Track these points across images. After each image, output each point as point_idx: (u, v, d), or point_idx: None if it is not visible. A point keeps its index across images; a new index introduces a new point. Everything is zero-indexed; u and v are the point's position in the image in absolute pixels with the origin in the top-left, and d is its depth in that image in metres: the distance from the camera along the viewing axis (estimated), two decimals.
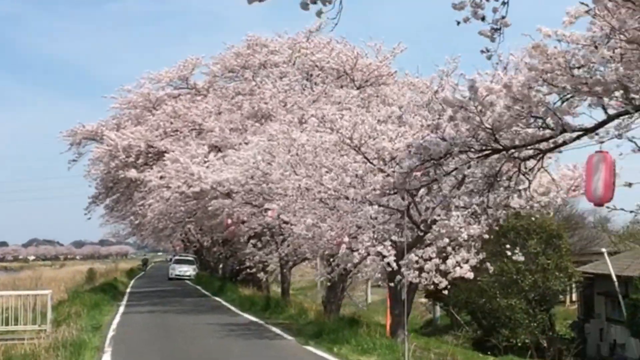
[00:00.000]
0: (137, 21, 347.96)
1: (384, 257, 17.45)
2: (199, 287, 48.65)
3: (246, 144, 28.54)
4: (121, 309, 29.90)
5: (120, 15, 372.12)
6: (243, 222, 30.91)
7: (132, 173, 30.71)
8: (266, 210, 26.74)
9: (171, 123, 34.37)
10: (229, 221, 31.34)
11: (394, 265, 17.32)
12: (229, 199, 27.15)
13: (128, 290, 46.69)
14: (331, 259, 24.55)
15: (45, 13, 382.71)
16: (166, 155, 29.34)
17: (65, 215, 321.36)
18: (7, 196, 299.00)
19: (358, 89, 31.04)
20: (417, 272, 17.67)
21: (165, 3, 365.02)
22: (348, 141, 17.15)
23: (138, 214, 35.57)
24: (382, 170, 17.46)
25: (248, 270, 33.48)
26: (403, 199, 17.70)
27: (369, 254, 17.74)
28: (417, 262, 17.80)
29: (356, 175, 18.03)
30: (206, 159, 28.30)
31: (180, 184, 29.01)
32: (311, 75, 34.37)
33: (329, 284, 25.61)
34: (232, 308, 30.08)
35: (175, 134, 33.74)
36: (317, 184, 18.43)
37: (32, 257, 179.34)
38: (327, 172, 18.25)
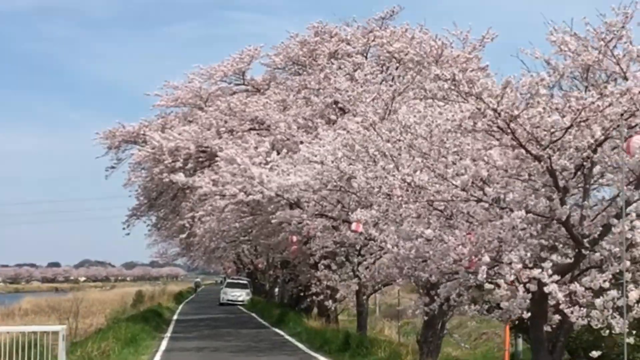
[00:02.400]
0: (189, 44, 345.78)
1: (542, 285, 11.69)
2: (254, 315, 43.02)
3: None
4: (163, 345, 24.41)
5: (173, 38, 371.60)
6: (308, 239, 25.62)
7: (180, 177, 25.30)
8: (345, 222, 21.19)
9: (225, 122, 28.96)
10: (294, 239, 25.88)
11: (560, 296, 11.55)
12: (298, 209, 21.57)
13: (174, 317, 41.30)
14: (428, 286, 19.08)
15: (99, 37, 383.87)
16: (219, 154, 23.73)
17: (117, 237, 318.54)
18: (60, 216, 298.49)
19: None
20: (583, 309, 11.90)
21: (217, 27, 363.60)
22: (490, 114, 11.41)
23: (186, 229, 30.20)
24: (538, 159, 11.75)
25: (314, 297, 28.22)
26: (563, 202, 12.01)
27: (518, 282, 11.94)
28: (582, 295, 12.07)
29: (495, 167, 12.36)
30: (268, 159, 22.61)
31: (236, 190, 23.49)
32: (387, 68, 29.02)
33: (425, 318, 19.89)
34: (300, 346, 24.37)
35: (231, 135, 28.30)
36: (436, 181, 12.74)
37: (82, 279, 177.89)
38: (454, 162, 12.55)
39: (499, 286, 14.29)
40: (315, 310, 36.75)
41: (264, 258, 54.39)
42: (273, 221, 23.69)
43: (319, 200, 21.22)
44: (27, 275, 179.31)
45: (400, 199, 13.22)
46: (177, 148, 28.94)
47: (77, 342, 23.36)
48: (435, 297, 17.35)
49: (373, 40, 30.25)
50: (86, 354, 18.45)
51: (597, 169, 12.69)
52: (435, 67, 12.66)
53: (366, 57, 30.39)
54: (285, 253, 33.54)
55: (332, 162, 18.97)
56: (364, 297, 26.85)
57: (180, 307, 55.64)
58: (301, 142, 24.43)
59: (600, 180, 13.32)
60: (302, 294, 34.09)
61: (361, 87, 26.73)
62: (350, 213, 19.00)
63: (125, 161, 32.46)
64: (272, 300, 54.61)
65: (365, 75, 27.70)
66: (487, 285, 14.48)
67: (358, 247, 22.09)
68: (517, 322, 20.01)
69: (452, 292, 16.70)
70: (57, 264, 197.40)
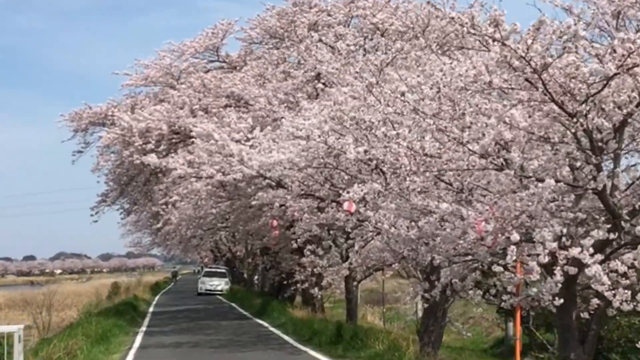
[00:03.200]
0: (163, 34, 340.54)
1: (581, 266, 9.85)
2: (234, 305, 40.98)
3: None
4: (137, 341, 22.41)
5: (147, 28, 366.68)
6: (292, 223, 23.81)
7: (152, 159, 23.20)
8: (333, 203, 19.30)
9: (199, 100, 26.85)
10: (275, 223, 23.97)
11: (605, 279, 9.71)
12: (282, 189, 19.60)
13: (150, 309, 39.16)
14: (428, 270, 17.31)
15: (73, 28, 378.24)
16: (194, 130, 21.57)
17: (93, 229, 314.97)
18: (35, 209, 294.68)
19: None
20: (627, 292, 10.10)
21: (191, 16, 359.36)
22: (518, 63, 9.49)
23: (160, 217, 28.15)
24: (573, 117, 9.89)
25: (298, 285, 26.48)
26: (599, 169, 10.23)
27: (553, 262, 10.05)
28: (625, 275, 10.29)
29: (518, 129, 10.49)
30: (249, 136, 20.50)
31: (213, 171, 21.45)
32: (371, 39, 27.17)
33: (425, 305, 18.12)
34: (286, 338, 22.46)
35: (206, 113, 26.17)
36: (448, 147, 10.85)
37: (58, 271, 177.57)
38: (472, 123, 10.63)
39: (507, 269, 12.63)
40: (299, 298, 34.97)
41: (243, 245, 52.73)
42: (253, 203, 21.70)
43: (304, 179, 19.27)
44: (2, 269, 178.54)
45: (407, 169, 11.28)
46: (148, 129, 26.81)
47: (47, 339, 21.49)
48: (436, 283, 15.68)
49: (355, 11, 28.30)
50: (50, 355, 16.42)
51: (627, 132, 10.89)
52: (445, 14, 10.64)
53: (348, 27, 28.47)
54: (266, 239, 31.89)
55: (319, 136, 16.99)
56: (354, 283, 25.05)
57: (157, 298, 53.57)
58: (282, 118, 22.44)
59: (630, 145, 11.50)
60: (285, 282, 32.27)
61: (344, 58, 24.83)
62: (342, 191, 17.09)
63: (93, 145, 30.25)
64: (252, 289, 52.84)
65: (349, 46, 25.78)
66: (497, 268, 12.85)
67: (348, 229, 20.20)
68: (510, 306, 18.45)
69: (456, 277, 15.02)
70: (32, 257, 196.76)
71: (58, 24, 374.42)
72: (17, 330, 12.73)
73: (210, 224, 31.48)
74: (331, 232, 22.73)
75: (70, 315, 33.91)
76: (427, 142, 11.01)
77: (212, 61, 30.17)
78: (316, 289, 25.18)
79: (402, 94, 12.43)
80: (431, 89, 11.79)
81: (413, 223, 13.12)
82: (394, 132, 11.77)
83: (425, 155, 11.16)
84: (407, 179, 11.72)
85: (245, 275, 60.21)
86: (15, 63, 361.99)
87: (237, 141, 20.13)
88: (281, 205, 23.06)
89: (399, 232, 13.70)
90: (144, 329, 26.88)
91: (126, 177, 29.98)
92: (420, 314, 40.34)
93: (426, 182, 11.86)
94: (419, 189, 12.24)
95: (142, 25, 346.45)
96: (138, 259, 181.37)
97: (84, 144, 30.11)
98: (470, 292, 16.94)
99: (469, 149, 10.55)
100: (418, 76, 12.96)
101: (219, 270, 61.24)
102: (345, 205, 16.47)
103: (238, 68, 28.62)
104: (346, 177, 18.82)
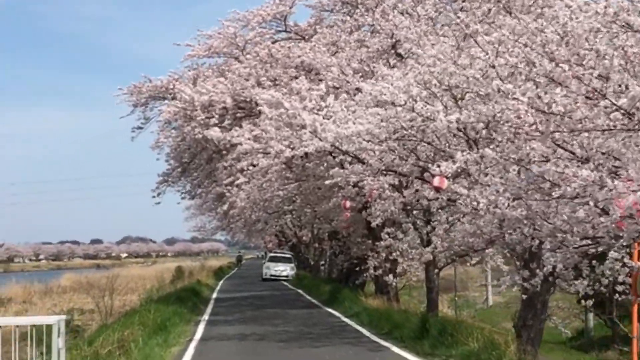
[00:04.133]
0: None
1: None
2: (301, 292, 38.98)
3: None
4: (199, 332, 20.50)
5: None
6: (366, 204, 21.86)
7: (215, 132, 21.24)
8: (418, 179, 17.05)
9: (266, 71, 24.75)
10: (347, 204, 21.94)
11: None
12: (359, 164, 17.33)
13: (214, 296, 37.44)
14: (526, 257, 15.13)
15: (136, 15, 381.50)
16: (261, 97, 19.32)
17: (159, 213, 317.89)
18: (101, 192, 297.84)
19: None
20: None
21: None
22: None
23: (226, 198, 26.27)
24: None
25: (372, 271, 24.46)
26: None
27: None
28: None
29: None
30: (322, 104, 18.22)
31: (282, 147, 19.33)
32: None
33: (524, 296, 15.83)
34: (363, 331, 20.27)
35: (274, 84, 24.06)
36: (581, 103, 8.57)
37: (124, 255, 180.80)
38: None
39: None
40: (370, 286, 32.95)
41: (309, 230, 50.96)
42: (327, 182, 19.48)
43: (383, 153, 16.96)
44: (69, 252, 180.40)
45: (530, 130, 8.98)
46: (211, 102, 24.81)
47: (107, 325, 20.24)
48: (537, 270, 13.51)
49: None
50: (109, 342, 14.57)
51: None
52: None
53: None
54: (335, 223, 30.02)
55: (405, 102, 14.71)
56: (436, 270, 22.80)
57: (221, 283, 52.10)
58: (357, 90, 20.12)
59: None
60: (357, 268, 30.22)
61: (425, 25, 22.56)
62: (430, 164, 14.85)
63: (153, 120, 28.35)
64: (318, 275, 50.85)
65: (427, 11, 23.53)
66: (612, 254, 10.74)
67: (434, 209, 17.94)
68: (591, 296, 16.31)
69: (565, 263, 12.82)
70: (99, 241, 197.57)
71: (122, 12, 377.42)
72: (56, 323, 10.79)
73: (276, 206, 29.85)
74: (415, 212, 20.68)
75: (133, 300, 33.29)
76: (556, 93, 8.70)
77: (279, 31, 28.01)
78: (391, 276, 23.19)
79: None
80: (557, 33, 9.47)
81: (517, 202, 10.99)
82: (510, 87, 9.47)
83: (551, 113, 8.89)
84: (527, 144, 9.45)
85: (311, 261, 58.32)
86: (81, 48, 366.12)
87: (309, 110, 17.90)
88: (354, 186, 21.02)
89: (503, 212, 11.52)
90: (206, 317, 25.03)
91: (188, 154, 28.00)
92: (490, 302, 38.35)
93: (549, 148, 9.58)
94: (535, 158, 10.00)
95: (206, 11, 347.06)
96: (202, 244, 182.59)
97: (143, 119, 28.24)
98: (577, 282, 14.78)
99: (613, 103, 8.25)
100: (535, 20, 10.63)
101: (284, 255, 59.54)
102: (436, 181, 14.28)
103: (307, 38, 26.45)
104: (431, 151, 16.52)
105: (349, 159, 18.05)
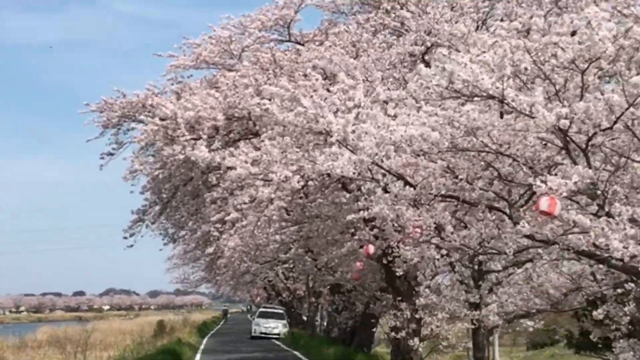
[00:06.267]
0: None
1: None
2: (299, 355, 33.52)
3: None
4: None
5: None
6: (385, 251, 17.30)
7: (200, 152, 16.17)
8: (492, 210, 11.83)
9: (268, 79, 19.61)
10: (372, 249, 17.00)
11: None
12: (412, 188, 11.97)
13: (197, 358, 32.11)
14: None
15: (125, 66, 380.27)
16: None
17: (143, 264, 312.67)
18: (86, 242, 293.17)
19: None
20: None
21: None
22: None
23: (213, 238, 21.25)
24: None
25: (393, 333, 20.36)
26: None
27: None
28: None
29: None
30: (350, 104, 12.83)
31: (289, 173, 14.20)
32: None
33: None
34: None
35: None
36: None
37: (106, 307, 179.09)
38: None
39: None
40: (385, 348, 28.08)
41: (303, 282, 46.48)
42: (350, 217, 14.28)
43: (442, 169, 11.65)
44: (50, 304, 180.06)
45: None
46: (199, 120, 19.67)
47: None
48: None
49: None
50: None
51: None
52: None
53: None
54: (339, 274, 25.42)
55: (492, 85, 9.63)
56: (485, 335, 17.72)
57: (205, 341, 46.85)
58: (385, 102, 14.86)
59: None
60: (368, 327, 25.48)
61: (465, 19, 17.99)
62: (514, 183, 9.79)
63: (127, 144, 22.85)
64: (315, 333, 45.67)
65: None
66: None
67: (511, 254, 12.68)
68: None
69: None
70: (82, 293, 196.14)
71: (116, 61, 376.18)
72: None
73: (271, 254, 25.24)
74: (459, 261, 15.77)
75: (110, 356, 31.44)
76: None
77: (282, 40, 22.89)
78: (416, 340, 18.96)
79: None
80: None
81: None
82: None
83: None
84: None
85: (304, 317, 53.27)
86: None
87: (335, 112, 12.64)
88: (373, 226, 16.33)
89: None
90: None
91: (169, 187, 22.44)
92: None
93: None
94: None
95: None
96: (185, 297, 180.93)
97: (115, 143, 22.79)
98: None
99: None
100: None
101: (276, 310, 54.50)
102: (543, 204, 9.23)
103: (318, 40, 21.53)
104: (514, 168, 11.28)
105: (388, 182, 12.68)
